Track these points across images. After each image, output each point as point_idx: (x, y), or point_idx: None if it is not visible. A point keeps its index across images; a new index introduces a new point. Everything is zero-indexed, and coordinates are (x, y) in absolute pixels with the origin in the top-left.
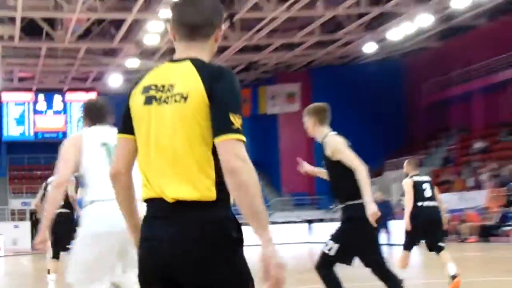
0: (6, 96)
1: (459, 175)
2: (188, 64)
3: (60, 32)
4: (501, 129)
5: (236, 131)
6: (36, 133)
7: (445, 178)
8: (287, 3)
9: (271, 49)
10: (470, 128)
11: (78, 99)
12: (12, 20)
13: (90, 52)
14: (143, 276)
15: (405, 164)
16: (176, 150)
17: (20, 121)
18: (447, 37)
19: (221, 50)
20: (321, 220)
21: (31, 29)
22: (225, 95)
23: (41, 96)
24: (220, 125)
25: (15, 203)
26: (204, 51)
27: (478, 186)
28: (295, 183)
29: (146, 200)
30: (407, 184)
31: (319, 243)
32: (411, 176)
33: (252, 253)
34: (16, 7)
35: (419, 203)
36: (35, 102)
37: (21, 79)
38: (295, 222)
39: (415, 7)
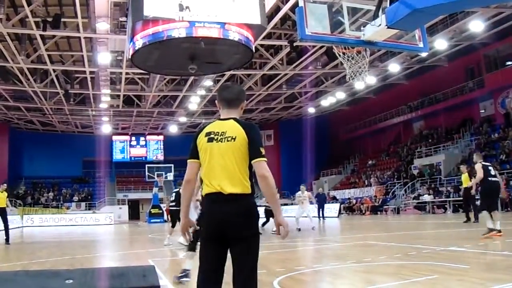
0: (115, 137)
1: (360, 178)
2: (232, 121)
3: (143, 103)
4: (381, 153)
5: (263, 156)
6: (130, 157)
7: (353, 180)
8: (266, 86)
9: (258, 111)
10: (366, 153)
11: (153, 139)
12: (118, 96)
13: (159, 113)
14: (206, 232)
15: (474, 155)
16: (228, 166)
17: (122, 150)
18: (351, 104)
19: None
20: (285, 204)
21: (128, 101)
22: (256, 137)
23: (133, 137)
24: (255, 153)
25: (119, 195)
26: (236, 114)
27: (370, 184)
28: None
29: (207, 194)
30: (477, 167)
31: (285, 217)
32: (480, 162)
33: None
34: (120, 89)
35: (489, 179)
36: (130, 141)
37: (123, 128)
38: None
39: (336, 88)
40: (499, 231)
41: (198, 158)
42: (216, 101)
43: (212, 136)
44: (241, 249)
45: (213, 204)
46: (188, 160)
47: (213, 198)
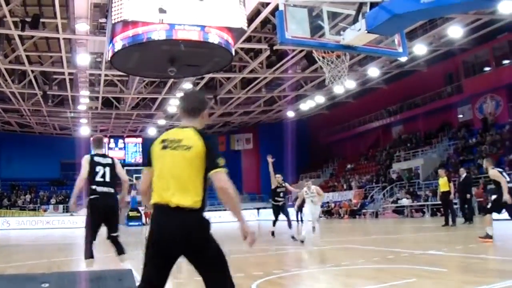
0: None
1: (339, 182)
2: (191, 130)
3: (122, 105)
4: (360, 157)
5: (222, 167)
6: None
7: (331, 184)
8: (246, 90)
9: (237, 115)
10: (345, 157)
11: (132, 142)
12: (97, 97)
13: (138, 116)
14: (153, 250)
15: (484, 161)
16: (180, 176)
17: None
18: (330, 108)
19: (210, 114)
20: (264, 208)
21: (107, 103)
22: (214, 148)
23: (112, 140)
24: (213, 164)
25: None
26: (197, 123)
27: (349, 188)
28: (250, 187)
29: (155, 204)
30: (495, 173)
31: (263, 220)
32: (493, 168)
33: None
34: (99, 91)
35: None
36: (109, 143)
37: (101, 130)
38: (250, 208)
39: (315, 92)
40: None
41: (151, 165)
42: (177, 110)
43: (166, 143)
44: (203, 267)
45: (159, 218)
46: (143, 168)
47: (160, 210)
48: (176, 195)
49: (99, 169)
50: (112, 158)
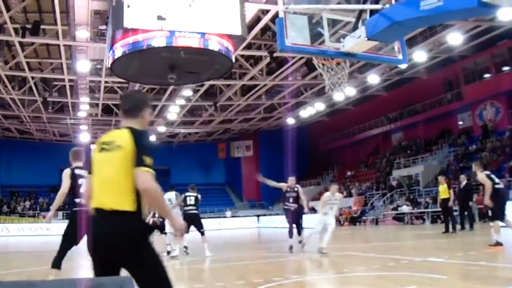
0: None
1: (339, 189)
2: (125, 129)
3: None
4: (360, 164)
5: (146, 165)
6: None
7: None
8: (246, 97)
9: (237, 122)
10: (345, 164)
11: None
12: (97, 104)
13: None
14: (94, 257)
15: (473, 165)
16: (113, 178)
17: None
18: (330, 115)
19: (210, 122)
20: (264, 215)
21: (107, 110)
22: (142, 145)
23: None
24: (137, 162)
25: None
26: (136, 124)
27: (350, 195)
28: (250, 194)
29: (93, 209)
30: (481, 176)
31: (263, 227)
32: (482, 171)
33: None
34: (99, 98)
35: (496, 186)
36: None
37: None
38: (250, 216)
39: (315, 99)
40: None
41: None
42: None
43: (103, 146)
44: (138, 278)
45: (95, 222)
46: (86, 175)
47: (96, 214)
48: (109, 198)
49: (82, 181)
50: None
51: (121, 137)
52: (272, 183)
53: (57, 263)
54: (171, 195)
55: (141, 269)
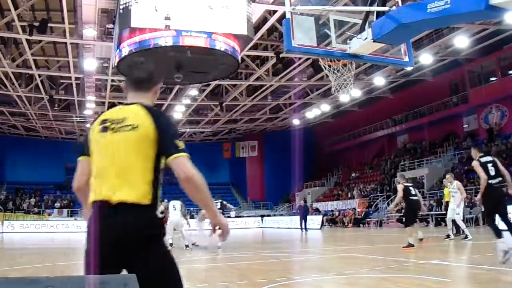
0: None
1: (343, 191)
2: (138, 106)
3: None
4: (365, 166)
5: (183, 150)
6: None
7: (336, 192)
8: (251, 97)
9: (242, 122)
10: (350, 165)
11: None
12: (103, 102)
13: None
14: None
15: (398, 176)
16: (122, 163)
17: None
18: (336, 116)
19: (215, 121)
20: (268, 215)
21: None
22: (169, 128)
23: None
24: (171, 148)
25: None
26: (146, 99)
27: (353, 197)
28: (255, 194)
29: (93, 202)
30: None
31: (267, 227)
32: (402, 183)
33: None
34: (105, 96)
35: (411, 198)
36: None
37: None
38: (254, 216)
39: (320, 100)
40: (421, 239)
41: (89, 154)
42: (122, 84)
43: (107, 124)
44: (146, 282)
45: (98, 219)
46: (78, 158)
47: (99, 209)
48: (118, 189)
49: None
50: None
51: (135, 114)
52: None
53: None
54: (175, 203)
55: (151, 271)
